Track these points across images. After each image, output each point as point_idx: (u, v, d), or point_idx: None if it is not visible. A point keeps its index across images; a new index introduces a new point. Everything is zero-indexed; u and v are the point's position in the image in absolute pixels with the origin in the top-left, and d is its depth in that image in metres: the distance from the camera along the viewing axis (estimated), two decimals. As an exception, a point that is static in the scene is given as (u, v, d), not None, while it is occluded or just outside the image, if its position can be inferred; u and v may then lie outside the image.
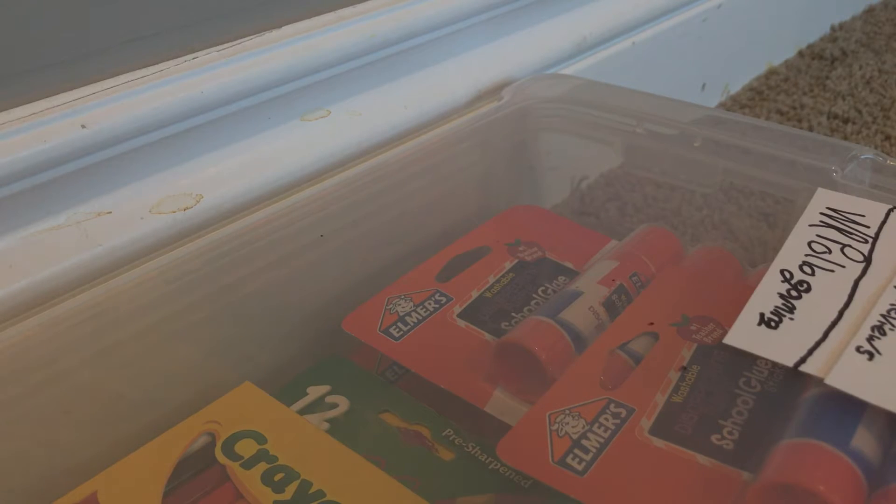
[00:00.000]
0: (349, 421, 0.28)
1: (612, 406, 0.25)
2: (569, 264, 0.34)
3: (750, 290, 0.26)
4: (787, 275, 0.27)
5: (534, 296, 0.32)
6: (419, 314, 0.31)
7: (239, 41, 0.35)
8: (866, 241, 0.28)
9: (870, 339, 0.24)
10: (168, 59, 0.33)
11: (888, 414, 0.22)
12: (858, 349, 0.23)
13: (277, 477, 0.24)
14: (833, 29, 0.78)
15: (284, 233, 0.31)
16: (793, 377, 0.24)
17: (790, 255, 0.28)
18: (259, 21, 0.36)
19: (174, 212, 0.32)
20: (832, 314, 0.25)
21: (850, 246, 0.28)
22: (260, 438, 0.25)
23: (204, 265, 0.29)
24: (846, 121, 0.60)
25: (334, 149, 0.38)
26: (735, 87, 0.67)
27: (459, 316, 0.31)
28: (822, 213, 0.30)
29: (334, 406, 0.28)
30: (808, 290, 0.26)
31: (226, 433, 0.25)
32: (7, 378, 0.25)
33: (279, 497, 0.23)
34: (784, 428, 0.23)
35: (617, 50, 0.52)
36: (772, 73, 0.70)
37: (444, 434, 0.27)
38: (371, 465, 0.24)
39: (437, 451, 0.27)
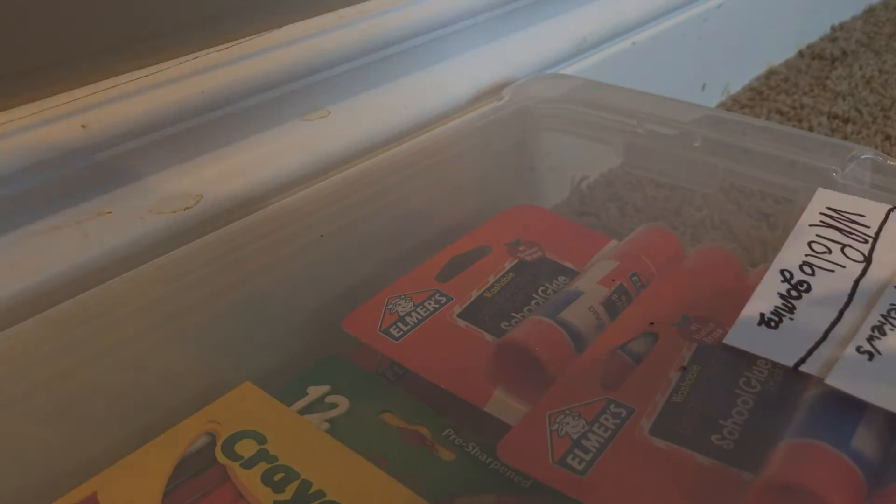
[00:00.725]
0: (349, 421, 0.28)
1: (612, 406, 0.25)
2: (569, 264, 0.34)
3: (750, 290, 0.26)
4: (787, 275, 0.27)
5: (534, 296, 0.32)
6: (419, 314, 0.31)
7: (239, 41, 0.35)
8: (866, 241, 0.28)
9: (870, 339, 0.24)
10: (168, 59, 0.33)
11: (888, 414, 0.22)
12: (858, 349, 0.23)
13: (277, 477, 0.24)
14: (833, 29, 0.78)
15: (284, 233, 0.31)
16: (793, 377, 0.24)
17: (790, 255, 0.28)
18: (259, 21, 0.36)
19: (174, 212, 0.32)
20: (832, 314, 0.25)
21: (850, 246, 0.28)
22: (260, 438, 0.25)
23: (204, 265, 0.29)
24: (846, 121, 0.60)
25: (334, 149, 0.37)
26: (735, 87, 0.67)
27: (459, 316, 0.31)
28: (822, 213, 0.30)
29: (334, 406, 0.28)
30: (809, 290, 0.26)
31: (226, 433, 0.25)
32: (7, 378, 0.25)
33: (279, 497, 0.23)
34: (784, 428, 0.23)
35: (617, 50, 0.52)
36: (772, 73, 0.70)
37: (444, 434, 0.27)
38: (371, 465, 0.24)
39: (438, 451, 0.27)
